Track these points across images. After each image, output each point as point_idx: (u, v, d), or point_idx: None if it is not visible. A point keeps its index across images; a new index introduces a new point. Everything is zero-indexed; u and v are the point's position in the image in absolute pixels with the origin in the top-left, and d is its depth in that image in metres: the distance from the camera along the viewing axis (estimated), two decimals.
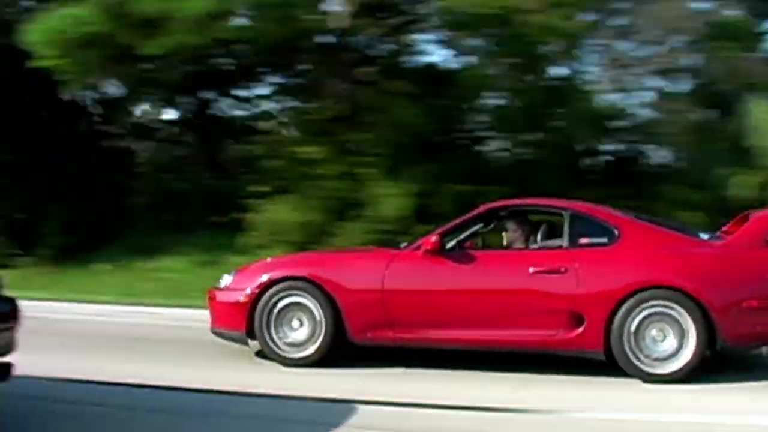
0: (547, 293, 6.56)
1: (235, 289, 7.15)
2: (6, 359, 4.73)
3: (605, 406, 5.75)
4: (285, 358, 6.93)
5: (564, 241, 6.77)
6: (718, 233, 7.12)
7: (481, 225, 7.44)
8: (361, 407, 5.60)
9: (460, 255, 6.87)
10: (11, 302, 4.90)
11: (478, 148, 14.58)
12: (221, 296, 7.24)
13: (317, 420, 5.36)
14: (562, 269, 6.55)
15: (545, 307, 6.54)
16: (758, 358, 6.78)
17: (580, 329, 6.47)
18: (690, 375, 6.32)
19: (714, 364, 6.59)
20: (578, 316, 6.48)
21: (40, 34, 13.01)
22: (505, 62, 13.73)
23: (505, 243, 7.29)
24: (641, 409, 5.69)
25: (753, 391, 6.17)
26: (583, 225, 6.78)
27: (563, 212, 6.92)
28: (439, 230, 6.98)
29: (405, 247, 7.04)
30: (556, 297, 6.53)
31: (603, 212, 6.97)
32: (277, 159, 14.04)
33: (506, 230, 7.27)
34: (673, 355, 6.36)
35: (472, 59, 14.49)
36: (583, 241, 6.72)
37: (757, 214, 6.90)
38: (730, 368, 6.71)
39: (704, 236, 6.88)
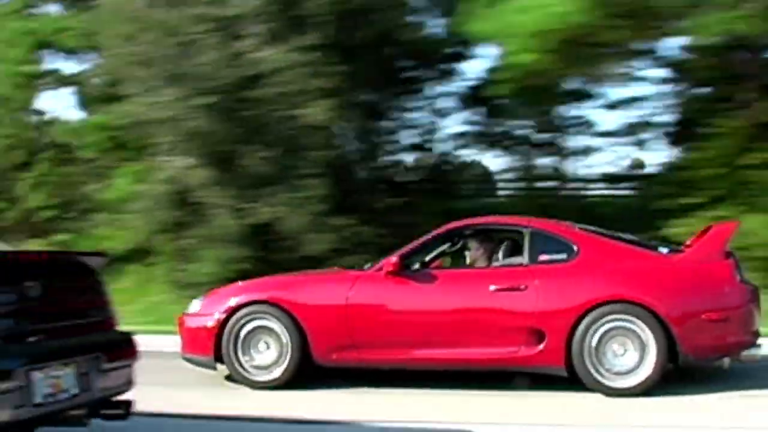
0: (508, 311, 6.61)
1: (203, 315, 7.21)
2: (126, 396, 4.68)
3: (568, 421, 5.78)
4: (253, 381, 6.98)
5: (524, 259, 6.83)
6: (679, 247, 7.18)
7: (447, 245, 7.53)
8: (333, 427, 5.74)
9: (422, 275, 6.94)
10: (129, 338, 4.85)
11: None
12: (190, 322, 7.30)
13: None
14: (522, 287, 6.61)
15: (506, 325, 6.59)
16: (720, 371, 6.81)
17: (542, 346, 6.52)
18: (651, 388, 6.37)
19: (676, 377, 6.64)
20: (539, 332, 6.53)
21: (502, 26, 11.31)
22: None
23: (468, 262, 7.36)
24: (603, 424, 5.72)
25: (717, 403, 6.21)
26: (542, 242, 6.84)
27: (523, 230, 6.98)
28: (400, 252, 7.04)
29: (368, 269, 7.09)
30: (517, 314, 6.58)
31: (562, 229, 7.03)
32: (712, 168, 12.03)
33: (469, 249, 7.34)
34: (634, 368, 6.41)
35: None
36: (543, 258, 6.78)
37: (716, 227, 6.96)
38: (693, 381, 6.76)
39: (663, 250, 6.93)
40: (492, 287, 6.66)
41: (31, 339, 4.13)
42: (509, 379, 6.72)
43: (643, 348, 6.39)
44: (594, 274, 6.61)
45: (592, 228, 7.28)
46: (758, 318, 6.78)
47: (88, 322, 4.59)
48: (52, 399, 4.06)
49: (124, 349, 4.74)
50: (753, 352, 6.62)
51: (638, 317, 6.40)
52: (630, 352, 6.42)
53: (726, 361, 6.67)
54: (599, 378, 6.44)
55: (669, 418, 5.83)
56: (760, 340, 6.74)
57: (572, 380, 6.52)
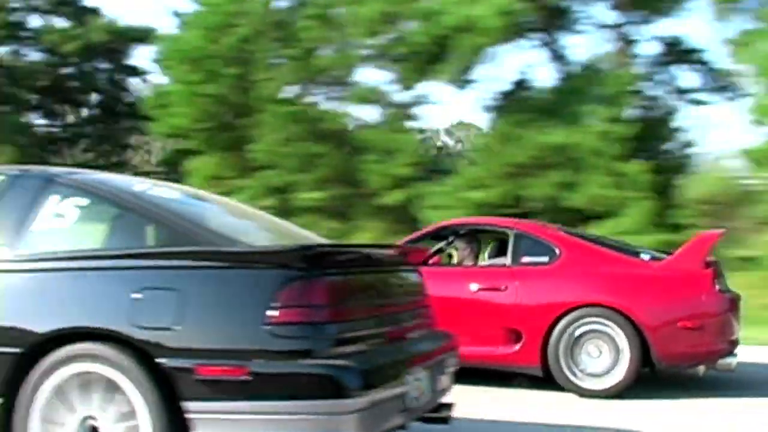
0: (488, 310, 6.82)
1: None
2: (448, 399, 4.36)
3: (539, 420, 5.95)
4: None
5: (507, 260, 7.02)
6: (663, 254, 7.30)
7: (444, 242, 7.75)
8: None
9: None
10: (454, 337, 4.58)
11: None
12: None
13: None
14: (503, 287, 6.81)
15: (486, 324, 6.80)
16: (695, 377, 6.95)
17: (518, 345, 6.73)
18: (624, 391, 6.54)
19: (652, 382, 6.79)
20: (517, 332, 6.73)
21: None
22: None
23: (456, 261, 7.57)
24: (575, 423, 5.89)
25: (690, 409, 6.35)
26: (526, 244, 7.02)
27: (509, 231, 7.17)
28: None
29: None
30: (497, 314, 6.79)
31: (547, 231, 7.21)
32: None
33: (456, 249, 7.55)
34: (608, 371, 6.57)
35: None
36: (525, 259, 6.96)
37: (700, 236, 7.08)
38: (668, 386, 6.91)
39: (645, 256, 7.07)
40: (474, 286, 6.87)
41: (409, 337, 3.97)
42: (508, 377, 6.93)
43: (617, 352, 6.55)
44: (573, 278, 6.78)
45: (578, 232, 7.44)
46: (737, 327, 6.90)
47: (424, 322, 4.35)
48: (416, 403, 3.77)
49: (456, 349, 4.52)
50: (729, 360, 6.74)
51: (614, 322, 6.56)
52: (605, 355, 6.59)
53: (701, 369, 6.81)
54: (573, 379, 6.62)
55: (634, 420, 5.99)
56: (738, 349, 6.88)
57: (548, 380, 6.71)
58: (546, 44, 17.69)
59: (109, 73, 26.05)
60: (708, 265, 6.82)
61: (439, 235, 7.59)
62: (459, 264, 7.49)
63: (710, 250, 6.88)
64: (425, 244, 7.64)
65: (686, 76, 17.59)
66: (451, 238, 7.70)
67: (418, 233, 7.52)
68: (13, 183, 3.93)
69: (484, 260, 7.36)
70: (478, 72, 17.31)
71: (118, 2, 45.17)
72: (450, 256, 8.00)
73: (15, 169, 4.12)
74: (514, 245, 7.03)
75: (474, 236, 7.53)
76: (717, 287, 6.76)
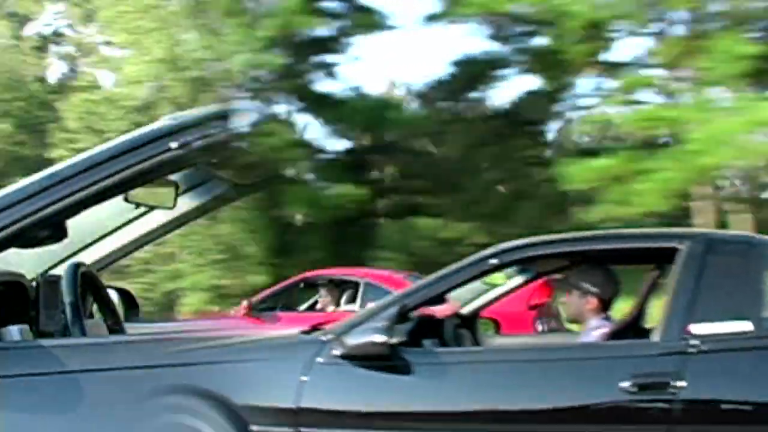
0: None
1: None
2: None
3: None
4: None
5: (356, 306, 7.90)
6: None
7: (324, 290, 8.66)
8: None
9: (269, 317, 8.07)
10: None
11: None
12: None
13: None
14: None
15: None
16: None
17: None
18: None
19: None
20: None
21: None
22: None
23: (318, 307, 8.50)
24: None
25: None
26: (373, 292, 7.87)
27: (359, 281, 8.08)
28: (253, 298, 8.27)
29: (237, 311, 8.31)
30: None
31: (393, 279, 8.08)
32: None
33: (320, 296, 8.48)
34: None
35: None
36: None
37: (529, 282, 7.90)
38: None
39: None
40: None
41: None
42: None
43: None
44: None
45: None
46: None
47: None
48: None
49: None
50: None
51: None
52: None
53: None
54: None
55: None
56: None
57: None
58: None
59: None
60: (532, 307, 7.65)
61: (303, 284, 8.54)
62: (322, 310, 8.40)
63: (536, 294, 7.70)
64: (292, 293, 8.63)
65: None
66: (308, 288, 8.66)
67: (284, 283, 8.48)
68: (709, 250, 3.53)
69: (341, 307, 8.25)
70: None
71: None
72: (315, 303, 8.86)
73: (692, 234, 3.80)
74: (363, 293, 7.91)
75: (334, 285, 8.44)
76: (539, 327, 7.58)
